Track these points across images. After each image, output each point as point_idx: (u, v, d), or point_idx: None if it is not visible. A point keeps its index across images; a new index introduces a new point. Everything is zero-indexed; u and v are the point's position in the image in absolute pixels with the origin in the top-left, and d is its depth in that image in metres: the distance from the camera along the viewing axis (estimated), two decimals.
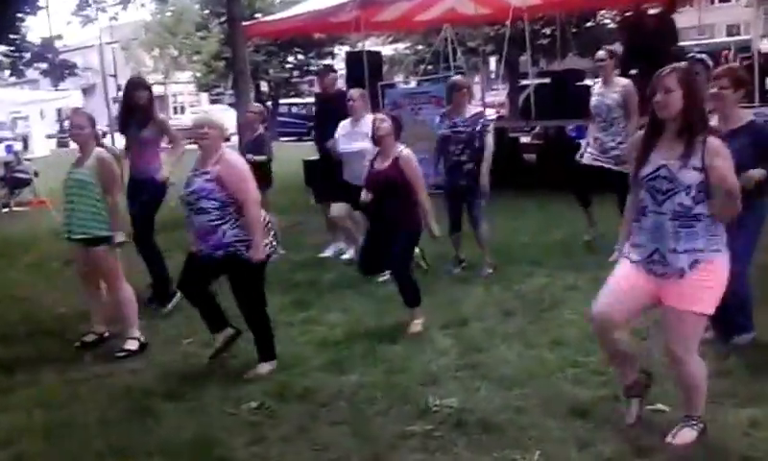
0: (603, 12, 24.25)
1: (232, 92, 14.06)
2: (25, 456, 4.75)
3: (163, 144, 8.04)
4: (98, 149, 6.53)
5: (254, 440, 4.73)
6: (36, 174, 17.17)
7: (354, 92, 8.46)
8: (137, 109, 7.61)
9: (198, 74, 42.94)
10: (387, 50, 30.36)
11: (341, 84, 13.82)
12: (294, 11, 17.36)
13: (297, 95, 41.33)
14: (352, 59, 15.66)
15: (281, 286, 7.89)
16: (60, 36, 27.28)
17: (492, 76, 36.16)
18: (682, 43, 15.97)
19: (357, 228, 8.57)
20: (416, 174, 6.49)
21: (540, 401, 4.89)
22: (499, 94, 28.17)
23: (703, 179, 3.93)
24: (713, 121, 5.02)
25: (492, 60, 32.99)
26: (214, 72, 39.85)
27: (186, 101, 61.83)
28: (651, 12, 13.71)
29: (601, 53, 9.02)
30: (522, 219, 10.67)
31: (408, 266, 6.67)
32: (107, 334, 6.79)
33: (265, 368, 5.77)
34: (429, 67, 21.22)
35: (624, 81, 8.89)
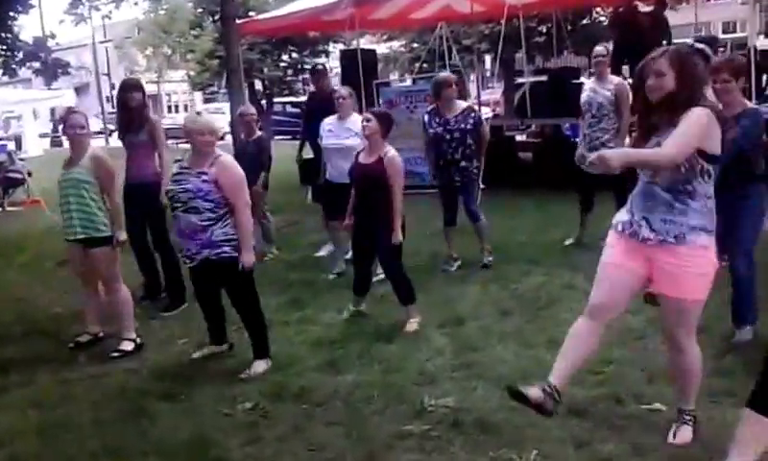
0: (598, 9, 24.22)
1: (226, 91, 13.99)
2: (19, 457, 4.74)
3: None
4: (93, 147, 6.52)
5: (250, 440, 4.71)
6: (29, 174, 17.12)
7: (344, 90, 8.43)
8: (132, 112, 7.56)
9: (191, 73, 42.82)
10: (382, 48, 30.35)
11: (335, 82, 13.84)
12: (288, 8, 17.29)
13: (291, 94, 41.24)
14: (347, 57, 15.62)
15: (277, 286, 7.90)
16: (52, 35, 27.21)
17: (488, 74, 36.17)
18: (676, 40, 15.94)
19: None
20: (397, 174, 6.48)
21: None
22: (494, 92, 28.16)
23: (694, 153, 3.89)
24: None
25: (488, 59, 32.92)
26: (208, 71, 39.68)
27: (180, 100, 61.82)
28: (644, 9, 13.72)
29: (600, 48, 9.01)
30: (519, 218, 10.65)
31: (398, 262, 6.65)
32: (101, 334, 6.77)
33: (260, 367, 5.78)
34: (424, 65, 21.20)
35: (617, 79, 8.90)
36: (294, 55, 39.70)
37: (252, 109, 10.09)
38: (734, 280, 5.56)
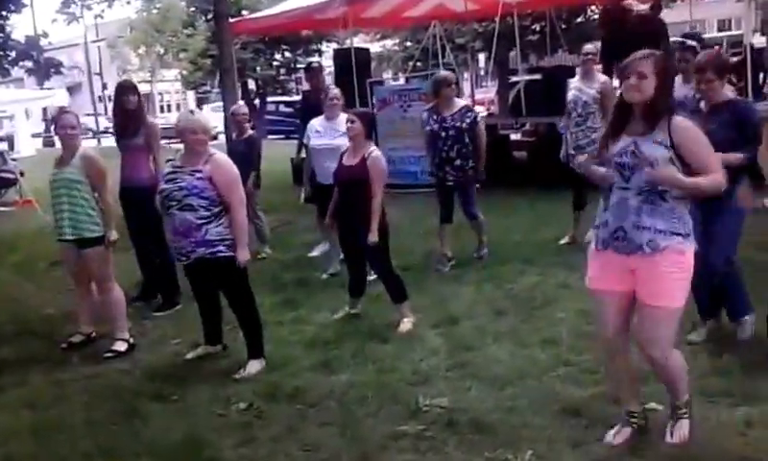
0: (593, 7, 24.24)
1: (219, 90, 13.96)
2: (13, 457, 4.73)
3: None
4: (83, 147, 6.50)
5: (244, 441, 4.69)
6: (21, 174, 17.07)
7: (337, 91, 8.41)
8: (128, 115, 7.52)
9: (184, 72, 42.75)
10: (375, 47, 30.33)
11: (329, 81, 13.80)
12: (281, 7, 17.28)
13: (284, 93, 41.21)
14: (340, 56, 15.61)
15: (270, 286, 7.88)
16: (45, 34, 27.03)
17: (482, 73, 36.19)
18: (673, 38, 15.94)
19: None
20: (379, 175, 6.45)
21: (532, 401, 4.86)
22: (488, 91, 28.15)
23: (671, 156, 3.89)
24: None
25: (482, 57, 32.94)
26: (201, 70, 39.62)
27: (173, 99, 61.72)
28: (639, 7, 13.73)
29: (589, 46, 9.02)
30: (513, 217, 10.64)
31: (386, 261, 6.65)
32: (94, 335, 6.76)
33: (254, 367, 5.76)
34: (418, 64, 21.19)
35: (603, 77, 8.90)
36: (287, 54, 39.67)
37: (244, 109, 10.06)
38: (720, 280, 5.49)
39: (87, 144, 7.19)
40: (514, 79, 22.32)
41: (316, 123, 8.28)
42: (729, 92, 5.53)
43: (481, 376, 5.34)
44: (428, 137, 8.39)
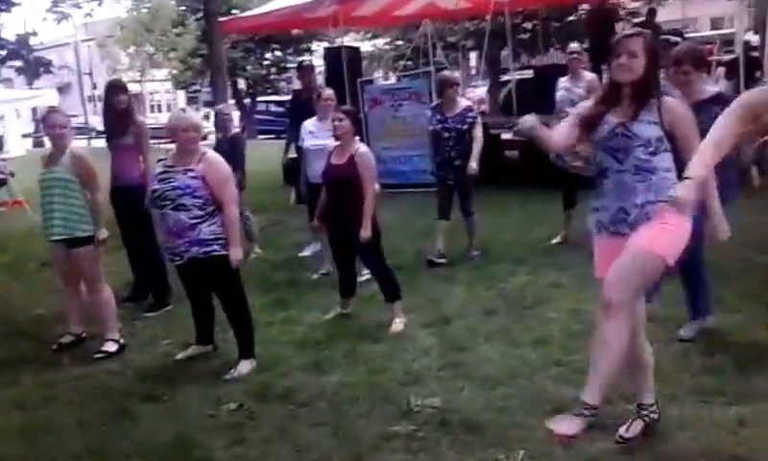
0: (584, 5, 24.28)
1: (209, 90, 13.94)
2: (3, 458, 4.71)
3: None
4: (73, 145, 6.47)
5: (234, 441, 4.67)
6: (11, 174, 16.96)
7: (331, 92, 8.38)
8: (118, 115, 7.48)
9: (174, 71, 42.70)
10: (366, 46, 30.31)
11: (319, 80, 13.75)
12: (271, 6, 17.23)
13: (274, 92, 41.19)
14: (331, 55, 15.58)
15: (261, 286, 7.86)
16: (34, 33, 27.02)
17: (473, 72, 36.19)
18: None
19: None
20: (368, 172, 6.45)
21: (524, 401, 4.84)
22: (479, 90, 28.07)
23: (661, 134, 3.95)
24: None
25: (473, 56, 32.96)
26: (191, 69, 39.62)
27: (163, 99, 61.59)
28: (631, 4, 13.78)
29: (574, 45, 9.05)
30: (505, 217, 10.64)
31: (379, 258, 6.65)
32: (84, 335, 6.72)
33: (245, 367, 5.74)
34: (409, 63, 21.17)
35: (590, 75, 8.90)
36: (277, 53, 39.68)
37: (229, 108, 10.03)
38: (685, 272, 5.49)
39: (78, 144, 7.16)
40: (505, 77, 22.33)
41: (309, 124, 8.26)
42: (712, 87, 5.54)
43: (473, 376, 5.33)
44: (431, 137, 8.54)
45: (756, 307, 5.69)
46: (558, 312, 6.49)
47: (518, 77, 17.65)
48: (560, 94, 8.77)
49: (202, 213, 5.55)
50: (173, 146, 5.78)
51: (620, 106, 4.06)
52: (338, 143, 6.63)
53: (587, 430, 4.33)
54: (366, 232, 6.34)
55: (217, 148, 9.26)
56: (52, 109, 6.98)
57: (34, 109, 39.53)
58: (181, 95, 53.42)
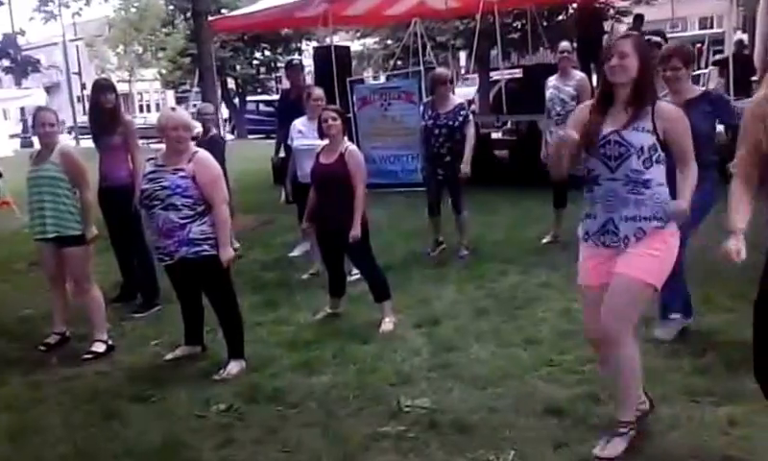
0: (574, 5, 24.33)
1: (198, 89, 13.89)
2: None
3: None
4: (61, 143, 6.44)
5: (224, 442, 4.65)
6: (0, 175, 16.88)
7: (320, 92, 8.35)
8: (105, 114, 7.44)
9: (163, 71, 42.60)
10: (356, 45, 30.28)
11: (308, 79, 13.73)
12: (260, 5, 17.20)
13: (264, 92, 41.17)
14: (320, 54, 15.56)
15: (251, 286, 7.85)
16: (22, 32, 26.83)
17: (463, 71, 36.20)
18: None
19: None
20: (358, 169, 6.44)
21: (515, 401, 4.84)
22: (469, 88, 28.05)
23: (654, 141, 3.91)
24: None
25: (463, 55, 32.97)
26: (180, 69, 39.53)
27: (152, 99, 61.43)
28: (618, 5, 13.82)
29: (565, 44, 9.05)
30: (495, 216, 10.64)
31: (369, 257, 6.63)
32: (68, 334, 6.69)
33: (235, 368, 5.71)
34: (399, 62, 21.16)
35: (580, 74, 8.90)
36: (267, 52, 39.65)
37: (211, 109, 9.99)
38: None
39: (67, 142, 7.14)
40: (495, 77, 22.34)
41: (298, 123, 8.22)
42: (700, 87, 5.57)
43: (463, 376, 5.32)
44: (422, 132, 8.58)
45: (746, 307, 5.63)
46: (549, 312, 6.49)
47: (508, 76, 17.67)
48: (549, 93, 8.77)
49: (192, 213, 5.52)
50: (163, 146, 5.76)
51: (615, 112, 4.01)
52: (326, 142, 6.61)
53: (577, 432, 4.36)
54: (356, 231, 6.32)
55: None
56: (41, 107, 6.94)
57: (22, 109, 39.40)
58: (170, 95, 53.29)
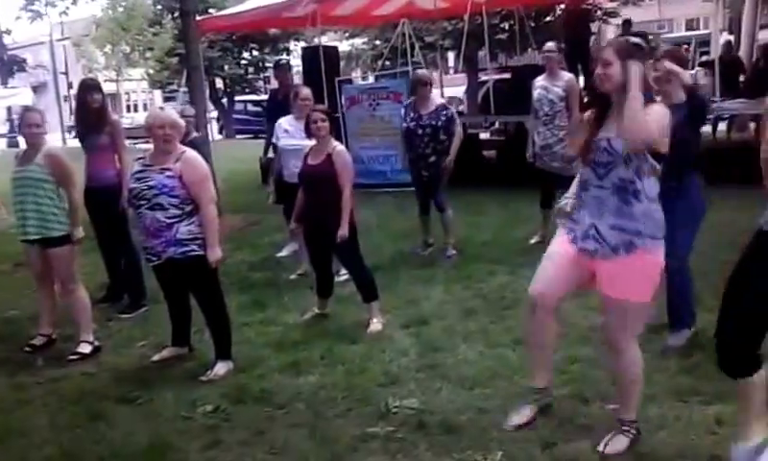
0: (562, 6, 24.38)
1: (186, 89, 13.82)
2: None
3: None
4: (47, 145, 6.40)
5: (210, 444, 4.63)
6: None
7: (308, 92, 8.33)
8: (92, 113, 7.40)
9: (151, 71, 42.49)
10: (344, 45, 30.26)
11: (296, 79, 13.70)
12: (248, 5, 17.17)
13: (252, 92, 41.13)
14: (309, 54, 15.54)
15: (238, 286, 7.83)
16: (8, 31, 26.79)
17: (451, 71, 36.22)
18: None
19: None
20: (346, 169, 6.44)
21: (503, 401, 4.83)
22: (456, 91, 28.09)
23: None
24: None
25: (451, 56, 32.97)
26: (167, 69, 39.46)
27: (139, 99, 61.25)
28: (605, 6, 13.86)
29: (550, 44, 9.06)
30: (483, 216, 10.65)
31: (358, 258, 6.63)
32: (54, 336, 6.66)
33: (222, 369, 5.69)
34: (387, 63, 21.15)
35: (568, 75, 8.91)
36: (255, 52, 39.61)
37: (191, 111, 9.94)
38: (669, 287, 5.45)
39: (54, 144, 7.10)
40: (483, 77, 22.36)
41: (284, 122, 8.18)
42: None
43: (451, 376, 5.31)
44: (405, 134, 8.59)
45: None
46: None
47: (496, 77, 17.68)
48: (537, 93, 8.77)
49: (179, 213, 5.50)
50: (151, 145, 5.73)
51: (610, 118, 4.01)
52: (314, 143, 6.60)
53: (564, 432, 4.37)
54: (343, 231, 6.31)
55: None
56: (28, 108, 6.91)
57: (8, 109, 39.27)
58: (158, 95, 53.16)
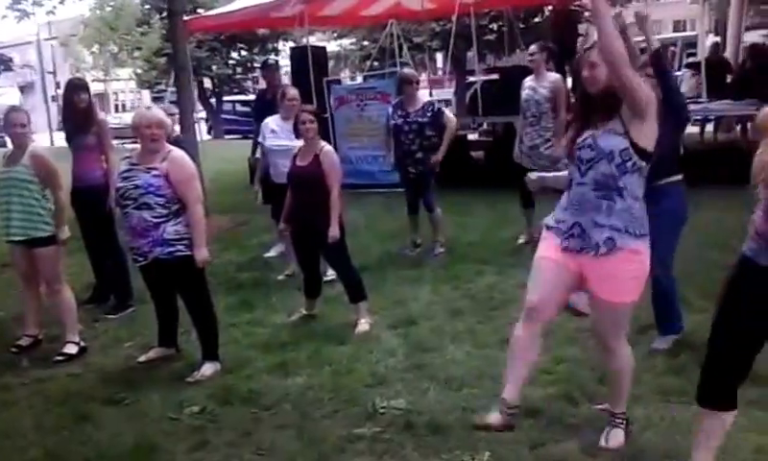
0: (550, 7, 24.41)
1: (174, 89, 13.77)
2: None
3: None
4: (33, 145, 6.37)
5: (197, 445, 4.62)
6: None
7: (296, 92, 8.31)
8: (79, 113, 7.37)
9: (139, 71, 42.32)
10: (332, 46, 30.25)
11: (285, 80, 13.67)
12: (237, 5, 17.11)
13: (241, 92, 41.04)
14: (297, 54, 15.51)
15: (226, 287, 7.82)
16: None
17: (440, 72, 36.24)
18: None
19: None
20: (333, 170, 6.45)
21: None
22: (444, 92, 28.09)
23: (627, 146, 3.88)
24: None
25: (439, 57, 32.98)
26: (155, 69, 39.30)
27: (127, 99, 61.04)
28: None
29: (533, 47, 9.09)
30: (471, 217, 10.65)
31: (346, 259, 6.63)
32: (40, 336, 6.63)
33: (209, 370, 5.68)
34: (375, 63, 21.15)
35: (554, 76, 8.91)
36: (243, 52, 39.50)
37: (174, 109, 9.92)
38: (654, 293, 5.48)
39: (41, 144, 7.06)
40: (471, 79, 22.36)
41: (271, 122, 8.15)
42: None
43: (439, 377, 5.31)
44: (392, 131, 8.65)
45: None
46: None
47: (484, 78, 17.68)
48: (525, 94, 8.77)
49: (165, 212, 5.49)
50: (138, 145, 5.71)
51: (593, 117, 4.03)
52: (302, 144, 6.59)
53: (552, 432, 4.37)
54: (334, 231, 6.30)
55: None
56: (14, 108, 6.86)
57: None
58: (146, 95, 52.97)
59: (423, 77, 27.49)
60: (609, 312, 4.11)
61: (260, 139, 8.30)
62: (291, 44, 29.21)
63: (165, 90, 44.36)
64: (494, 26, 24.28)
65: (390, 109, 8.85)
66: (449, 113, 8.63)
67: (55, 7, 27.43)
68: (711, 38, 18.96)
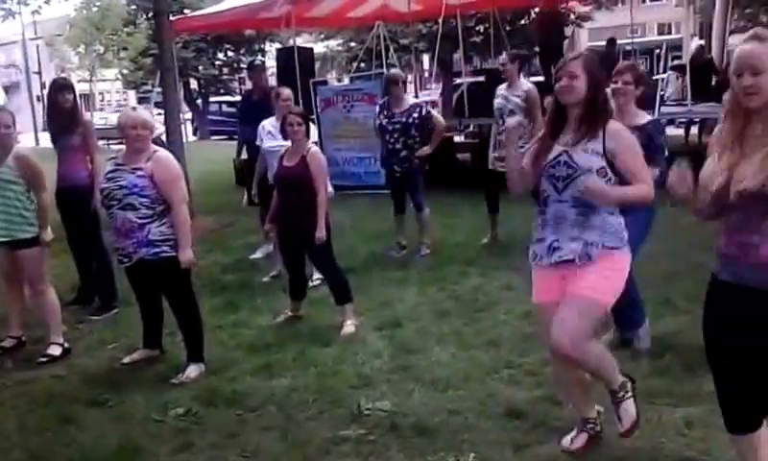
0: (536, 9, 24.47)
1: (160, 90, 13.73)
2: None
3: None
4: (17, 146, 6.33)
5: (181, 447, 4.60)
6: None
7: (289, 92, 8.30)
8: (64, 114, 7.33)
9: (125, 71, 42.19)
10: (319, 47, 30.24)
11: (271, 81, 13.66)
12: (223, 6, 17.11)
13: (227, 93, 40.99)
14: (284, 55, 15.51)
15: (211, 288, 7.79)
16: None
17: (426, 74, 36.28)
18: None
19: None
20: (320, 171, 6.46)
21: (475, 403, 4.84)
22: (432, 93, 28.16)
23: (604, 165, 3.86)
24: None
25: (426, 58, 33.02)
26: (141, 69, 39.19)
27: (113, 99, 60.85)
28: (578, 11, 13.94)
29: (503, 57, 9.16)
30: (457, 218, 10.66)
31: (331, 260, 6.63)
32: (24, 338, 6.60)
33: (194, 371, 5.66)
34: (362, 65, 21.15)
35: (528, 84, 8.93)
36: (230, 53, 39.46)
37: (153, 110, 9.90)
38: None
39: (27, 145, 7.02)
40: (458, 81, 22.39)
41: (268, 124, 8.16)
42: (645, 116, 5.50)
43: (424, 378, 5.31)
44: (378, 131, 8.76)
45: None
46: (509, 315, 6.50)
47: (470, 80, 17.71)
48: (497, 102, 8.79)
49: (150, 213, 5.47)
50: (124, 146, 5.70)
51: (567, 132, 3.97)
52: (290, 145, 6.59)
53: (537, 434, 4.39)
54: (321, 233, 6.30)
55: None
56: (1, 110, 6.82)
57: None
58: (132, 95, 52.82)
59: (410, 78, 27.71)
60: (572, 305, 3.90)
61: (258, 141, 8.30)
62: (277, 45, 29.20)
63: (151, 91, 44.34)
64: (481, 28, 24.30)
65: (377, 109, 8.92)
66: (438, 115, 8.64)
67: (40, 6, 27.35)
68: (696, 41, 19.08)
